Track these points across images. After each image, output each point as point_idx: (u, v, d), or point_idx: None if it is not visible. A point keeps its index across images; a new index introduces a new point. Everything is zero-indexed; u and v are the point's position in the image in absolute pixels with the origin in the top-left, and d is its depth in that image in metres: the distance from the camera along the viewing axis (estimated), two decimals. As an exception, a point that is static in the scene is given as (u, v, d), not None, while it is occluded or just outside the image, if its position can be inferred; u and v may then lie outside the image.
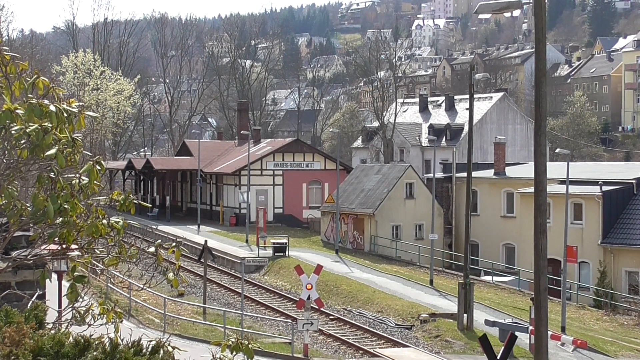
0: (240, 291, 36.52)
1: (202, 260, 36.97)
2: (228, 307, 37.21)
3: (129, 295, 34.14)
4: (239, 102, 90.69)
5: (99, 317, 6.65)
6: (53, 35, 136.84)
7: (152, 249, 6.52)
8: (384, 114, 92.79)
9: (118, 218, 6.40)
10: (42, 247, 6.56)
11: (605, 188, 47.22)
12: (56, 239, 6.28)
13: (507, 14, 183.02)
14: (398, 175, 56.91)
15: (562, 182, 41.98)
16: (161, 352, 6.72)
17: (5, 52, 5.90)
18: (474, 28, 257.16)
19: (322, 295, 35.70)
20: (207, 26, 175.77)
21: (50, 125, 5.75)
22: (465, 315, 33.36)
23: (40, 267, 8.92)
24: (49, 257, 6.67)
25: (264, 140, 78.41)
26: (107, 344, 6.61)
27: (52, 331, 7.05)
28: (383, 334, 33.51)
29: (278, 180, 68.78)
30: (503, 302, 40.98)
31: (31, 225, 6.47)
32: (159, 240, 6.64)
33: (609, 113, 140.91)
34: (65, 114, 5.79)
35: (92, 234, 6.26)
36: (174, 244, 6.59)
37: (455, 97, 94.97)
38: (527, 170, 48.62)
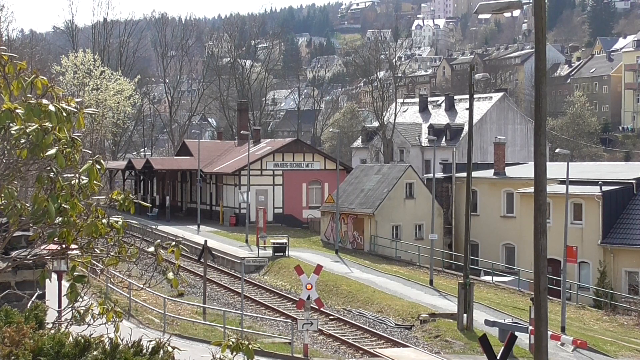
0: (240, 291, 36.53)
1: (202, 260, 36.96)
2: (228, 307, 37.21)
3: (128, 295, 34.13)
4: (239, 102, 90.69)
5: (98, 317, 6.64)
6: (53, 36, 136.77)
7: (151, 249, 6.52)
8: (384, 114, 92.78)
9: (118, 218, 6.39)
10: (42, 247, 6.55)
11: (605, 188, 47.22)
12: (56, 238, 6.28)
13: (507, 14, 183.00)
14: (398, 175, 56.90)
15: (562, 182, 41.98)
16: (161, 352, 6.72)
17: (3, 52, 5.89)
18: (474, 28, 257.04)
19: (322, 296, 35.70)
20: (207, 26, 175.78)
21: (50, 125, 5.74)
22: (465, 315, 33.35)
23: (40, 267, 8.92)
24: (49, 257, 6.66)
25: (263, 140, 78.41)
26: (107, 344, 6.61)
27: (52, 331, 7.05)
28: (383, 334, 33.50)
29: (278, 180, 68.79)
30: (503, 302, 40.97)
31: (31, 225, 6.46)
32: (159, 240, 6.63)
33: (609, 113, 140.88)
34: (64, 114, 5.79)
35: (91, 233, 6.25)
36: (173, 243, 6.58)
37: (455, 97, 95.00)
38: (527, 170, 48.62)
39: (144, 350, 6.70)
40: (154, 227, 60.79)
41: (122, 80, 72.18)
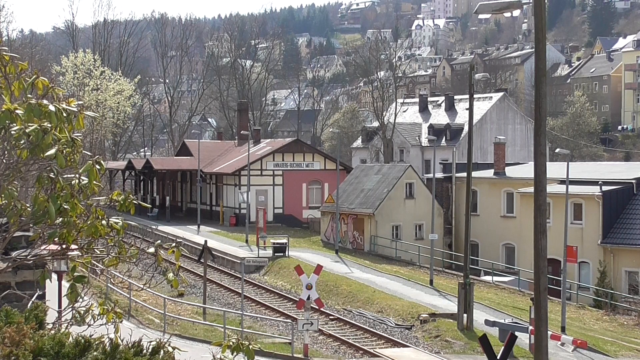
0: (240, 291, 36.53)
1: (202, 260, 36.96)
2: (228, 307, 37.20)
3: (129, 296, 34.12)
4: (239, 102, 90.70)
5: (98, 317, 6.64)
6: (53, 36, 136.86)
7: (151, 249, 6.52)
8: (384, 114, 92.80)
9: (118, 218, 6.39)
10: (42, 247, 6.55)
11: (605, 188, 47.22)
12: (56, 239, 6.28)
13: (507, 14, 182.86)
14: (398, 175, 56.89)
15: (562, 182, 41.98)
16: (161, 352, 6.72)
17: (4, 53, 5.89)
18: (474, 28, 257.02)
19: (322, 296, 35.70)
20: (207, 26, 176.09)
21: (49, 125, 5.74)
22: (465, 315, 33.35)
23: (40, 267, 8.92)
24: (49, 257, 6.67)
25: (263, 141, 78.41)
26: (108, 345, 6.61)
27: (52, 331, 7.05)
28: (383, 334, 33.50)
29: (278, 180, 68.78)
30: (503, 302, 40.97)
31: (31, 225, 6.46)
32: (159, 241, 6.63)
33: (609, 113, 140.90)
34: (64, 114, 5.79)
35: (91, 234, 6.26)
36: (173, 244, 6.58)
37: (455, 97, 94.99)
38: (527, 170, 48.63)
39: (144, 351, 6.70)
40: (154, 227, 60.79)
41: (122, 80, 72.21)
